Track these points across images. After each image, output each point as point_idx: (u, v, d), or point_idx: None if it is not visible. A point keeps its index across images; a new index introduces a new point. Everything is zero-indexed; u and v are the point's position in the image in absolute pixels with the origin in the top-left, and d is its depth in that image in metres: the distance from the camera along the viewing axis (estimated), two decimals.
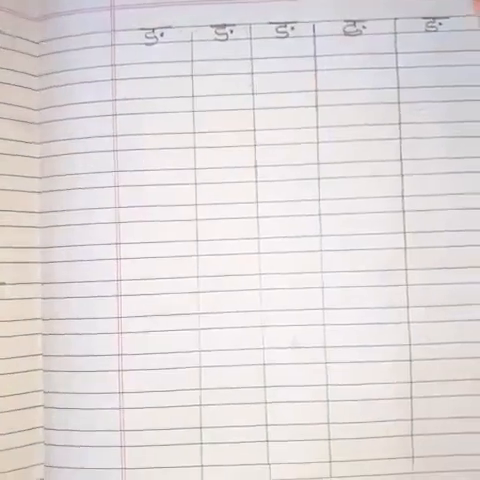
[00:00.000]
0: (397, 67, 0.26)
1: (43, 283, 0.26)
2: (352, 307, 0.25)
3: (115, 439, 0.25)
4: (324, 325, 0.25)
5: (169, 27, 0.26)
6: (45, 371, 0.26)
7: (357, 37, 0.26)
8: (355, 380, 0.25)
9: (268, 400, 0.25)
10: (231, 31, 0.26)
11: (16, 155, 0.26)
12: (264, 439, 0.25)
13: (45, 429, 0.26)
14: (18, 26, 0.26)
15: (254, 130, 0.26)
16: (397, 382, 0.25)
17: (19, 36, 0.26)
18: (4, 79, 0.26)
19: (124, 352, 0.25)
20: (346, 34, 0.26)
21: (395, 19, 0.26)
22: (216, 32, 0.26)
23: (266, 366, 0.25)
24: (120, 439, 0.25)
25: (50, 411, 0.26)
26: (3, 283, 0.25)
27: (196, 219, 0.26)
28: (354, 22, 0.26)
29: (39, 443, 0.26)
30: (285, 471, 0.25)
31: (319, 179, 0.26)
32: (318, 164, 0.26)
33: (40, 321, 0.26)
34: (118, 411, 0.25)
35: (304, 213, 0.25)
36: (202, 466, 0.25)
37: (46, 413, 0.26)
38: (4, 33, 0.26)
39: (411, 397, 0.25)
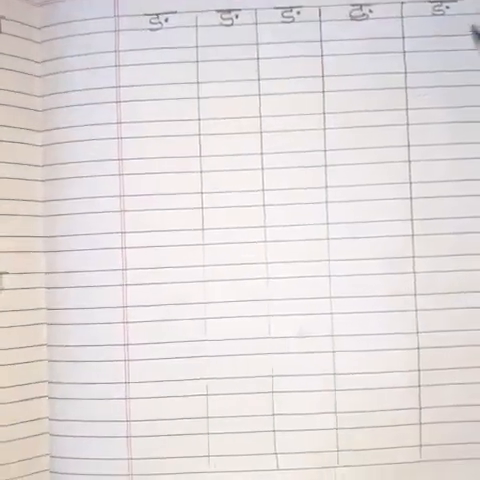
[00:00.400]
0: (404, 51, 0.26)
1: (47, 272, 0.26)
2: (359, 295, 0.25)
3: (121, 429, 0.25)
4: (332, 314, 0.25)
5: (174, 12, 0.26)
6: (50, 361, 0.26)
7: (363, 21, 0.26)
8: (362, 369, 0.25)
9: (275, 389, 0.25)
10: (236, 16, 0.26)
11: (18, 143, 0.26)
12: (271, 429, 0.25)
13: (50, 420, 0.26)
14: (20, 11, 0.26)
15: (260, 116, 0.25)
16: (405, 370, 0.25)
17: (21, 21, 0.26)
18: (6, 65, 0.25)
19: (130, 342, 0.25)
20: (352, 18, 0.26)
21: (402, 3, 0.26)
22: (221, 17, 0.26)
23: (273, 355, 0.25)
24: (126, 429, 0.25)
25: (54, 401, 0.26)
26: (6, 272, 0.25)
27: (202, 207, 0.25)
28: (360, 6, 0.26)
29: (44, 434, 0.26)
30: (292, 460, 0.25)
31: (326, 166, 0.25)
32: (325, 151, 0.25)
33: (44, 311, 0.26)
34: (124, 401, 0.25)
35: (311, 201, 0.25)
36: (209, 456, 0.25)
37: (51, 403, 0.26)
38: (6, 18, 0.25)
39: (419, 385, 0.25)
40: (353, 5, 0.26)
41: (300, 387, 0.25)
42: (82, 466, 0.25)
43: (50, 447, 0.26)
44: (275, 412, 0.25)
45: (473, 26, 0.24)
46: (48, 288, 0.26)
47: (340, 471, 0.25)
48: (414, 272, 0.25)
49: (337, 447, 0.25)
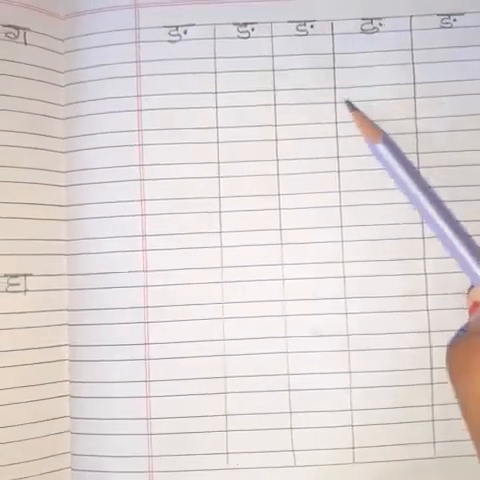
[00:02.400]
0: (413, 63, 0.27)
1: (69, 275, 0.27)
2: (373, 296, 0.26)
3: (142, 427, 0.26)
4: (346, 314, 0.26)
5: (192, 25, 0.27)
6: (71, 361, 0.27)
7: (374, 34, 0.27)
8: (377, 367, 0.26)
9: (292, 388, 0.26)
10: (252, 29, 0.27)
11: (42, 149, 0.27)
12: (288, 426, 0.26)
13: (71, 418, 0.27)
14: (44, 24, 0.27)
15: (275, 125, 0.27)
16: (418, 368, 0.26)
17: (45, 33, 0.27)
18: (31, 75, 0.27)
19: (150, 341, 0.26)
20: (363, 32, 0.27)
21: (411, 16, 0.27)
22: (238, 30, 0.27)
23: (289, 354, 0.26)
24: (147, 427, 0.26)
25: (76, 400, 0.27)
26: (30, 274, 0.26)
27: (219, 211, 0.27)
28: (371, 20, 0.27)
29: (66, 432, 0.27)
30: (309, 458, 0.26)
31: (339, 172, 0.27)
32: (338, 157, 0.27)
33: (66, 312, 0.27)
34: (145, 399, 0.26)
35: (325, 204, 0.27)
36: (227, 453, 0.26)
37: (72, 402, 0.27)
38: (31, 30, 0.27)
39: (432, 383, 0.26)
40: (364, 19, 0.27)
41: (316, 385, 0.26)
42: (103, 464, 0.26)
43: (71, 445, 0.26)
44: (292, 410, 0.26)
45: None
46: (70, 290, 0.27)
47: (356, 468, 0.26)
48: (425, 273, 0.26)
49: (353, 444, 0.26)
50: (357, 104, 0.27)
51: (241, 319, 0.26)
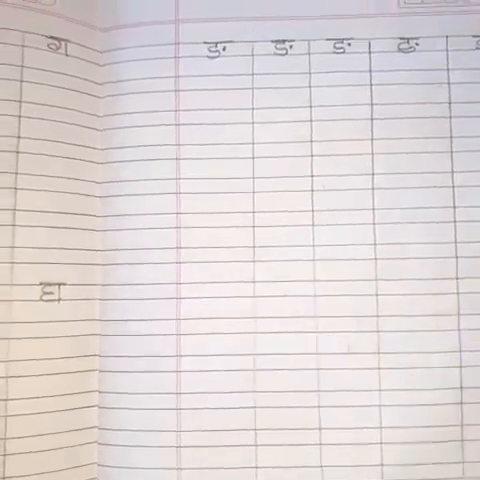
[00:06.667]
0: (449, 83, 0.28)
1: (103, 285, 0.28)
2: (404, 314, 0.27)
3: (171, 439, 0.27)
4: (378, 332, 0.27)
5: (231, 41, 0.28)
6: (100, 371, 0.28)
7: (411, 54, 0.28)
8: (406, 386, 0.27)
9: (321, 404, 0.27)
10: (290, 46, 0.28)
11: (80, 160, 0.28)
12: (317, 442, 0.27)
13: (99, 429, 0.27)
14: (85, 36, 0.29)
15: (311, 141, 0.28)
16: (448, 388, 0.27)
17: (85, 45, 0.29)
18: (71, 86, 0.28)
19: (182, 353, 0.27)
20: (400, 51, 0.28)
21: (447, 37, 0.28)
22: (276, 47, 0.28)
23: (320, 371, 0.27)
24: (176, 439, 0.27)
25: (104, 411, 0.28)
26: (64, 284, 0.27)
27: (253, 226, 0.28)
28: (408, 40, 0.28)
29: (93, 443, 0.28)
30: (337, 474, 0.27)
31: (373, 189, 0.28)
32: (372, 175, 0.28)
33: (98, 322, 0.28)
34: (175, 411, 0.27)
35: (359, 222, 0.28)
36: (257, 467, 0.27)
37: (100, 413, 0.28)
38: (72, 42, 0.28)
39: (461, 403, 0.27)
40: (401, 38, 0.28)
41: (346, 402, 0.27)
42: (130, 475, 0.27)
43: (99, 456, 0.27)
44: (322, 426, 0.27)
45: None
46: (102, 300, 0.28)
47: None
48: (457, 293, 0.27)
49: (381, 461, 0.27)
50: (392, 122, 0.28)
51: (272, 334, 0.27)
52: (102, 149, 0.29)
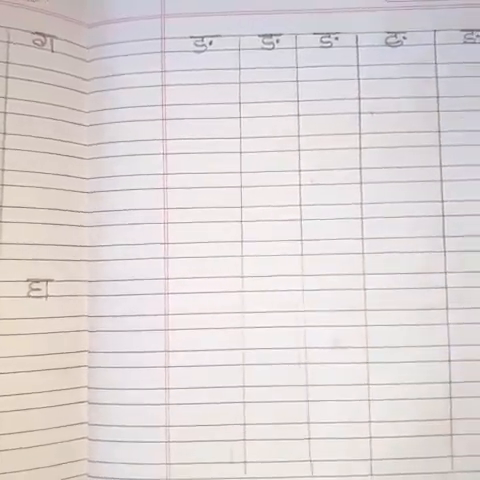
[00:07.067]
0: (437, 77, 0.28)
1: (90, 281, 0.28)
2: (392, 308, 0.27)
3: (160, 434, 0.27)
4: (366, 326, 0.27)
5: (218, 36, 0.28)
6: (89, 367, 0.28)
7: (398, 48, 0.28)
8: (396, 380, 0.27)
9: (310, 398, 0.27)
10: (277, 40, 0.28)
11: (66, 156, 0.28)
12: (306, 437, 0.27)
13: (89, 425, 0.28)
14: (71, 32, 0.29)
15: (298, 136, 0.28)
16: (437, 382, 0.27)
17: (71, 41, 0.28)
18: (57, 82, 0.28)
19: (170, 348, 0.27)
20: (387, 45, 0.28)
21: (434, 31, 0.28)
22: (263, 41, 0.28)
23: (308, 365, 0.27)
24: (165, 434, 0.27)
25: (94, 407, 0.28)
26: (51, 280, 0.27)
27: (241, 221, 0.28)
28: (395, 33, 0.28)
29: (83, 438, 0.28)
30: (327, 468, 0.27)
31: (361, 183, 0.28)
32: (360, 169, 0.28)
33: (86, 318, 0.28)
34: (164, 407, 0.27)
35: (347, 216, 0.28)
36: (245, 462, 0.27)
37: (90, 409, 0.28)
38: (58, 38, 0.28)
39: (450, 397, 0.27)
40: (388, 32, 0.28)
41: (335, 397, 0.27)
42: (120, 470, 0.27)
43: (89, 451, 0.27)
44: (310, 420, 0.27)
45: None
46: (90, 296, 0.28)
47: (374, 479, 0.27)
48: (446, 287, 0.27)
49: (371, 456, 0.27)
50: (379, 116, 0.28)
51: (260, 329, 0.27)
52: (89, 145, 0.29)
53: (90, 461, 0.28)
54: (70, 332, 0.28)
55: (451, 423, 0.27)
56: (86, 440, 0.28)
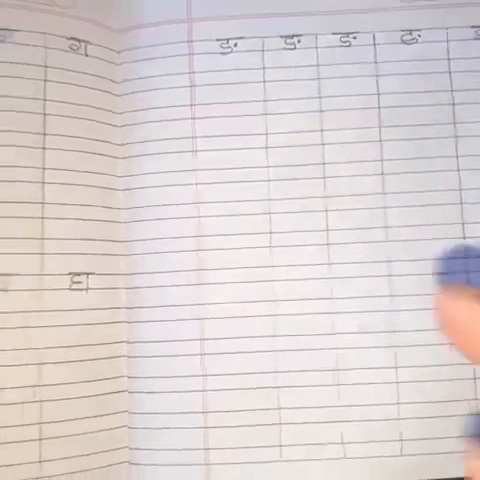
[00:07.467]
0: (450, 72, 0.30)
1: (127, 274, 0.29)
2: (418, 294, 0.28)
3: (199, 420, 0.28)
4: (391, 311, 0.28)
5: (242, 38, 0.30)
6: (128, 357, 0.29)
7: (413, 45, 0.30)
8: (422, 362, 0.28)
9: (341, 382, 0.28)
10: (299, 41, 0.30)
11: (101, 155, 0.29)
12: (337, 420, 0.28)
13: (129, 413, 0.29)
14: (103, 37, 0.30)
15: (321, 130, 0.29)
16: (461, 363, 0.28)
17: (104, 46, 0.30)
18: (91, 84, 0.29)
19: (205, 336, 0.28)
20: (403, 42, 0.30)
21: (447, 28, 0.30)
22: (285, 42, 0.30)
23: (338, 350, 0.28)
24: (203, 420, 0.28)
25: (133, 395, 0.29)
26: (92, 273, 0.28)
27: (269, 213, 0.29)
28: (410, 31, 0.30)
29: (124, 426, 0.29)
30: (358, 450, 0.28)
31: (383, 174, 0.29)
32: (381, 160, 0.29)
33: (124, 310, 0.29)
34: (201, 393, 0.28)
35: (370, 206, 0.29)
36: (281, 446, 0.28)
37: (130, 398, 0.29)
38: (91, 43, 0.30)
39: (475, 378, 0.28)
40: (404, 30, 0.30)
41: (364, 380, 0.28)
42: (159, 457, 0.28)
43: (129, 439, 0.28)
44: (341, 404, 0.28)
45: None
46: (128, 288, 0.29)
47: (403, 460, 0.28)
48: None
49: (400, 437, 0.28)
50: (397, 110, 0.29)
51: (292, 316, 0.28)
52: (122, 144, 0.30)
53: (131, 449, 0.29)
54: (109, 323, 0.29)
55: (478, 404, 0.28)
56: (126, 428, 0.29)
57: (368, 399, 0.28)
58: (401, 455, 0.28)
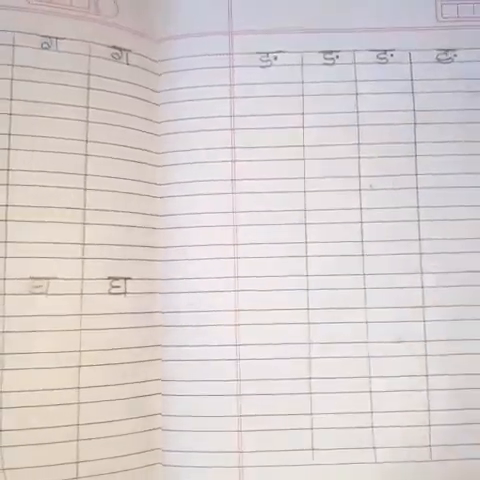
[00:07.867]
0: None
1: (164, 279, 0.30)
2: (449, 305, 0.29)
3: (233, 424, 0.29)
4: (424, 321, 0.29)
5: (282, 52, 0.31)
6: (163, 360, 0.29)
7: (449, 64, 0.31)
8: (454, 371, 0.29)
9: (373, 389, 0.29)
10: (337, 56, 0.31)
11: (140, 162, 0.30)
12: (369, 425, 0.29)
13: (163, 415, 0.29)
14: (144, 46, 0.31)
15: (358, 144, 0.30)
16: None
17: (144, 55, 0.31)
18: (131, 93, 0.30)
19: (241, 342, 0.29)
20: (439, 61, 0.31)
21: None
22: (324, 57, 0.31)
23: (371, 358, 0.29)
24: (237, 424, 0.29)
25: (167, 398, 0.29)
26: (130, 278, 0.29)
27: (305, 223, 0.30)
28: (446, 51, 0.31)
29: (157, 429, 0.29)
30: (389, 454, 0.29)
31: (417, 188, 0.30)
32: (416, 175, 0.30)
33: (160, 314, 0.30)
34: (235, 397, 0.29)
35: (403, 218, 0.30)
36: (313, 449, 0.29)
37: (164, 400, 0.29)
38: (133, 52, 0.30)
39: None
40: (439, 50, 0.31)
41: (395, 387, 0.29)
42: (193, 459, 0.29)
43: (163, 441, 0.29)
44: (373, 410, 0.29)
45: None
46: (164, 293, 0.30)
47: (432, 465, 0.29)
48: None
49: (430, 442, 0.29)
50: (434, 126, 0.30)
51: (326, 324, 0.29)
52: (161, 152, 0.31)
53: (164, 450, 0.29)
54: (145, 327, 0.29)
55: None
56: (160, 430, 0.29)
57: (400, 406, 0.29)
58: (431, 460, 0.29)
